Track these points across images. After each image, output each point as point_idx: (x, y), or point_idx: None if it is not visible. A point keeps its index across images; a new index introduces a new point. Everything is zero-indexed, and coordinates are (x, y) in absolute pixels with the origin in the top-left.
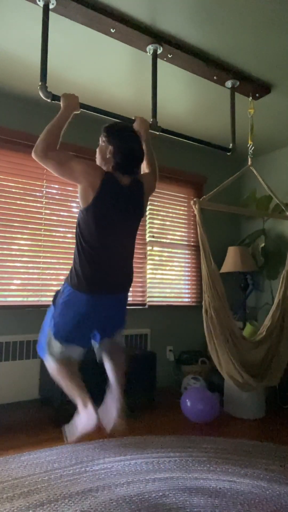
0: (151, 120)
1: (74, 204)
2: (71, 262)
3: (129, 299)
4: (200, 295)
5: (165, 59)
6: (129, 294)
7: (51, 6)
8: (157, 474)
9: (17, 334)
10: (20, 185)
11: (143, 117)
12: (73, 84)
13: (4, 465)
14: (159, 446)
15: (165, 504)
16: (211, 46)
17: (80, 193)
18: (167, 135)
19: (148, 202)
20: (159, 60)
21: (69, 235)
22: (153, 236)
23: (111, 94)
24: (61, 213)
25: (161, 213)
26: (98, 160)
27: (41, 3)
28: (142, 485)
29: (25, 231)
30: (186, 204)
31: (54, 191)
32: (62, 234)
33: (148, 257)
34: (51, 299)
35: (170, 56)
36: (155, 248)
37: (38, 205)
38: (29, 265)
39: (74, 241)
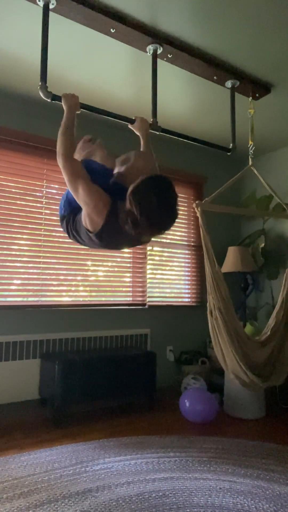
0: (151, 120)
1: None
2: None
3: (129, 299)
4: (200, 295)
5: (165, 59)
6: (129, 294)
7: (51, 6)
8: (157, 474)
9: (17, 334)
10: (20, 185)
11: (143, 117)
12: (73, 84)
13: (4, 465)
14: (159, 446)
15: (165, 504)
16: (211, 46)
17: (86, 218)
18: (167, 135)
19: None
20: (159, 60)
21: None
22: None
23: (111, 94)
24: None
25: None
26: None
27: (41, 3)
28: (142, 485)
29: (25, 231)
30: (186, 204)
31: (54, 191)
32: (62, 234)
33: (148, 257)
34: (51, 299)
35: (170, 56)
36: (155, 248)
37: (38, 205)
38: (29, 265)
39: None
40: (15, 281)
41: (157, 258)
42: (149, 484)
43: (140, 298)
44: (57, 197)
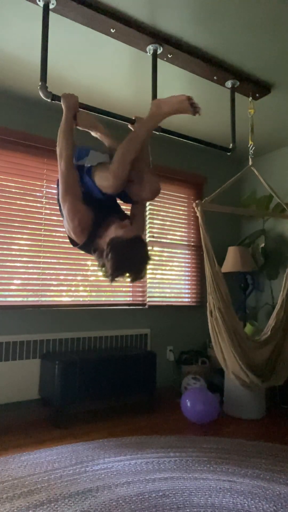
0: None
1: None
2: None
3: (129, 299)
4: (200, 295)
5: (165, 59)
6: (129, 294)
7: (51, 6)
8: (157, 474)
9: (17, 334)
10: (20, 185)
11: (143, 117)
12: (73, 84)
13: (4, 465)
14: (159, 446)
15: (165, 504)
16: (211, 46)
17: (70, 230)
18: (167, 135)
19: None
20: (159, 60)
21: None
22: (153, 236)
23: (111, 94)
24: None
25: (161, 213)
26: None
27: (41, 3)
28: (142, 485)
29: (25, 231)
30: (186, 204)
31: (54, 191)
32: (62, 234)
33: None
34: (51, 299)
35: (170, 56)
36: (155, 248)
37: (38, 205)
38: (29, 265)
39: None
40: (15, 281)
41: (157, 258)
42: (149, 484)
43: (140, 298)
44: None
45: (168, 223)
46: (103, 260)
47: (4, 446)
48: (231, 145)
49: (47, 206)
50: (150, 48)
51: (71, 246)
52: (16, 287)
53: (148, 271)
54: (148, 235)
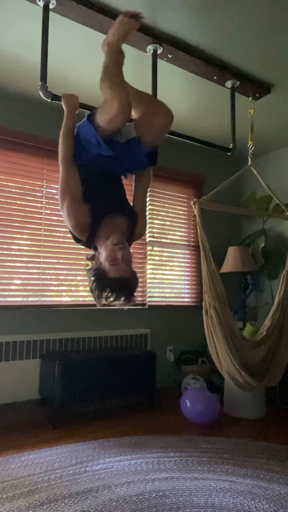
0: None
1: None
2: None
3: None
4: (200, 295)
5: (165, 59)
6: None
7: (51, 6)
8: (157, 474)
9: (17, 334)
10: (20, 185)
11: None
12: (73, 84)
13: (4, 465)
14: (159, 446)
15: (165, 504)
16: (211, 46)
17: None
18: (167, 135)
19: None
20: (159, 60)
21: (69, 235)
22: (153, 236)
23: None
24: (61, 213)
25: (161, 213)
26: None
27: (41, 3)
28: (142, 485)
29: (25, 231)
30: (186, 204)
31: (54, 191)
32: (62, 234)
33: (148, 257)
34: (51, 299)
35: (170, 56)
36: (155, 248)
37: (38, 205)
38: (29, 265)
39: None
40: (15, 281)
41: (157, 258)
42: (149, 484)
43: (140, 298)
44: (57, 197)
45: (168, 223)
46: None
47: (4, 446)
48: (231, 145)
49: (47, 206)
50: (150, 48)
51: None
52: (16, 287)
53: (148, 271)
54: (148, 235)
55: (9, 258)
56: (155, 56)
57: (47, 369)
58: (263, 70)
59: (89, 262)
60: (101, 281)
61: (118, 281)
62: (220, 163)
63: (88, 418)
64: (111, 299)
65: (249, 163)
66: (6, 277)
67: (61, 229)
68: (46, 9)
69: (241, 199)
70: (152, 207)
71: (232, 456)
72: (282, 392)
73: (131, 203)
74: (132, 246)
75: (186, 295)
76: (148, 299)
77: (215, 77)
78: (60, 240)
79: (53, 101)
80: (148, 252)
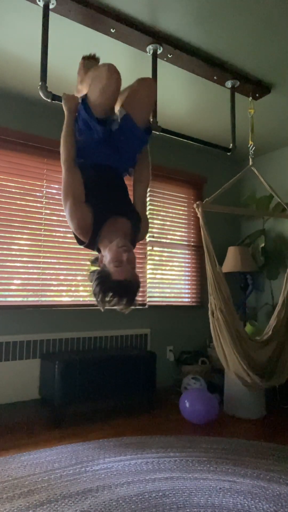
0: (151, 120)
1: None
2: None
3: None
4: (200, 295)
5: (165, 59)
6: None
7: (51, 6)
8: (157, 474)
9: (17, 334)
10: (20, 185)
11: None
12: (73, 84)
13: (4, 465)
14: (159, 446)
15: (165, 504)
16: (211, 46)
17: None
18: (167, 135)
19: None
20: (159, 60)
21: (69, 235)
22: (153, 236)
23: None
24: (61, 213)
25: (161, 213)
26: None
27: (41, 3)
28: (142, 485)
29: (25, 231)
30: (186, 204)
31: (54, 191)
32: (62, 234)
33: (148, 257)
34: (51, 299)
35: (170, 56)
36: (155, 248)
37: (38, 205)
38: (29, 265)
39: (74, 241)
40: (15, 281)
41: (157, 258)
42: (149, 484)
43: (140, 298)
44: (57, 197)
45: (168, 223)
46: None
47: (4, 446)
48: (231, 145)
49: (47, 206)
50: (150, 48)
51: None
52: (16, 287)
53: (148, 271)
54: (148, 235)
55: (9, 258)
56: (155, 56)
57: (47, 369)
58: (263, 70)
59: (92, 266)
60: (105, 283)
61: (121, 284)
62: (220, 163)
63: (88, 418)
64: (114, 302)
65: (250, 163)
66: (6, 277)
67: (61, 229)
68: (46, 9)
69: (241, 199)
70: (152, 207)
71: (232, 456)
72: (282, 392)
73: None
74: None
75: (186, 295)
76: (148, 299)
77: (215, 77)
78: (60, 240)
79: (53, 101)
80: (148, 252)
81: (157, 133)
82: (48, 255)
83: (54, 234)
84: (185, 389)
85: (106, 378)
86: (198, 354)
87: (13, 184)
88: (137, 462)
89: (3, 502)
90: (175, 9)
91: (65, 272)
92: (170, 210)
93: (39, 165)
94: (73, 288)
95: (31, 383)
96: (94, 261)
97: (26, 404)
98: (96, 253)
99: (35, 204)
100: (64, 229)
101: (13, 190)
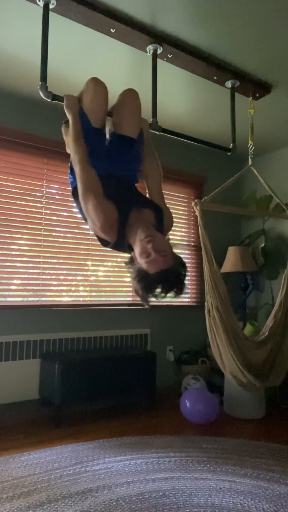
0: (151, 120)
1: (74, 204)
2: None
3: (129, 299)
4: (200, 295)
5: (165, 59)
6: (129, 294)
7: (51, 6)
8: (157, 474)
9: (17, 334)
10: (20, 185)
11: (143, 117)
12: (73, 84)
13: (4, 465)
14: (159, 446)
15: (165, 504)
16: (211, 46)
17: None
18: (167, 135)
19: None
20: (159, 60)
21: (69, 235)
22: None
23: (111, 94)
24: (61, 213)
25: None
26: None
27: (41, 3)
28: (142, 485)
29: (25, 231)
30: (186, 204)
31: (54, 191)
32: (62, 234)
33: None
34: (51, 299)
35: (170, 56)
36: None
37: (38, 205)
38: (29, 265)
39: (75, 241)
40: (15, 281)
41: None
42: (149, 484)
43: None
44: (57, 197)
45: None
46: (134, 272)
47: (4, 446)
48: (231, 145)
49: (47, 206)
50: (150, 48)
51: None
52: (16, 287)
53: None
54: None
55: (9, 258)
56: (155, 56)
57: (47, 369)
58: (263, 70)
59: (129, 267)
60: (143, 280)
61: (160, 275)
62: (220, 163)
63: (88, 418)
64: (162, 294)
65: (250, 163)
66: (6, 277)
67: (61, 229)
68: (46, 9)
69: (241, 199)
70: None
71: (232, 456)
72: (282, 392)
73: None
74: None
75: (186, 295)
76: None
77: (215, 77)
78: (60, 240)
79: (53, 101)
80: None
81: (157, 133)
82: (48, 255)
83: (54, 234)
84: (185, 389)
85: (106, 378)
86: (198, 354)
87: (13, 184)
88: (137, 462)
89: (3, 502)
90: (175, 9)
91: (65, 272)
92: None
93: (39, 165)
94: (73, 288)
95: (31, 383)
96: (130, 262)
97: (26, 404)
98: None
99: (35, 204)
100: (64, 229)
101: (13, 190)
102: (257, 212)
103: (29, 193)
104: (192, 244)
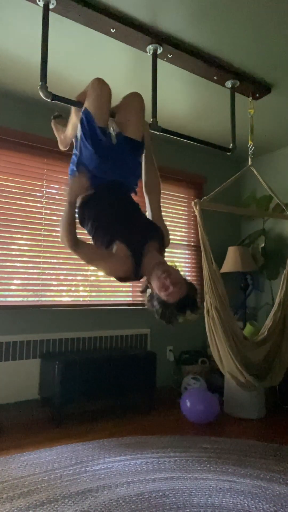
0: (151, 120)
1: None
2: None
3: (129, 299)
4: (201, 295)
5: (165, 59)
6: (129, 294)
7: (51, 6)
8: (157, 474)
9: (17, 334)
10: (20, 185)
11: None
12: (73, 84)
13: (4, 465)
14: (159, 446)
15: (165, 504)
16: (211, 46)
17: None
18: (167, 135)
19: None
20: (159, 60)
21: None
22: None
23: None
24: (61, 213)
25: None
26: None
27: (41, 3)
28: (142, 485)
29: (25, 231)
30: (186, 204)
31: (54, 191)
32: None
33: None
34: (51, 299)
35: (170, 56)
36: None
37: (38, 205)
38: (29, 265)
39: None
40: (15, 281)
41: None
42: (149, 484)
43: (140, 298)
44: (57, 197)
45: (168, 223)
46: (151, 301)
47: (4, 446)
48: (231, 145)
49: (47, 206)
50: (150, 48)
51: None
52: (16, 287)
53: None
54: None
55: (9, 258)
56: (155, 56)
57: (47, 369)
58: (263, 70)
59: (145, 295)
60: (167, 308)
61: (180, 303)
62: (220, 163)
63: (88, 418)
64: (184, 318)
65: (249, 163)
66: (6, 277)
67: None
68: (46, 9)
69: (241, 199)
70: None
71: (232, 456)
72: (282, 392)
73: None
74: None
75: None
76: None
77: (215, 77)
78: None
79: (53, 101)
80: None
81: (157, 133)
82: (48, 255)
83: (54, 234)
84: (185, 389)
85: (106, 378)
86: (198, 354)
87: (13, 184)
88: (137, 462)
89: (3, 502)
90: (175, 9)
91: (65, 272)
92: (170, 210)
93: (39, 165)
94: (73, 288)
95: (31, 383)
96: (145, 290)
97: (26, 404)
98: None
99: (35, 204)
100: None
101: (13, 190)
102: (257, 212)
103: (29, 193)
104: (192, 244)
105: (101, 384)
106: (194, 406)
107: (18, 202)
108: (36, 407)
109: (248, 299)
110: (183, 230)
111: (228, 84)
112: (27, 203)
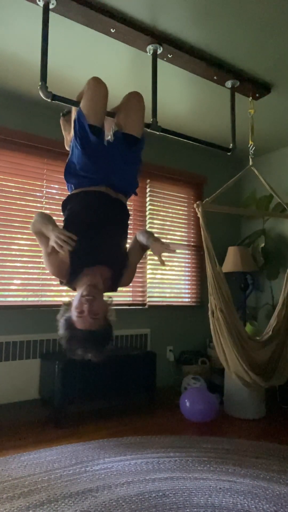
0: (151, 120)
1: None
2: None
3: (129, 299)
4: (200, 295)
5: (165, 59)
6: (129, 294)
7: (51, 6)
8: (157, 474)
9: (17, 334)
10: (20, 185)
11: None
12: (73, 84)
13: (4, 465)
14: (159, 446)
15: (165, 504)
16: (211, 46)
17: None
18: (167, 135)
19: (148, 203)
20: (159, 60)
21: None
22: None
23: (111, 94)
24: (61, 213)
25: (161, 213)
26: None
27: (41, 3)
28: (142, 485)
29: (25, 231)
30: (186, 204)
31: (54, 191)
32: None
33: (148, 257)
34: (51, 299)
35: (170, 56)
36: None
37: (38, 205)
38: (29, 265)
39: None
40: (15, 281)
41: (157, 258)
42: (149, 484)
43: (140, 298)
44: (57, 197)
45: (168, 223)
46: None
47: (4, 446)
48: (231, 145)
49: (47, 206)
50: (150, 48)
51: None
52: (16, 287)
53: (148, 271)
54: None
55: (9, 258)
56: (155, 56)
57: (47, 369)
58: (263, 70)
59: (65, 307)
60: (68, 329)
61: (84, 333)
62: (220, 163)
63: (88, 418)
64: (79, 353)
65: (250, 163)
66: (6, 277)
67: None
68: (46, 9)
69: (241, 199)
70: (152, 207)
71: (232, 456)
72: (282, 392)
73: (127, 249)
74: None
75: (186, 295)
76: (148, 299)
77: (215, 77)
78: None
79: (53, 101)
80: (148, 252)
81: (157, 133)
82: None
83: None
84: (185, 389)
85: (106, 378)
86: (198, 354)
87: (13, 184)
88: (137, 462)
89: (3, 502)
90: (175, 9)
91: None
92: (170, 210)
93: (39, 165)
94: None
95: (31, 383)
96: (68, 304)
97: (26, 404)
98: None
99: (35, 204)
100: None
101: (13, 190)
102: (257, 212)
103: (29, 193)
104: (192, 244)
105: (101, 384)
106: (194, 405)
107: (18, 202)
108: (36, 407)
109: (248, 299)
110: (183, 230)
111: (228, 84)
112: (27, 203)
